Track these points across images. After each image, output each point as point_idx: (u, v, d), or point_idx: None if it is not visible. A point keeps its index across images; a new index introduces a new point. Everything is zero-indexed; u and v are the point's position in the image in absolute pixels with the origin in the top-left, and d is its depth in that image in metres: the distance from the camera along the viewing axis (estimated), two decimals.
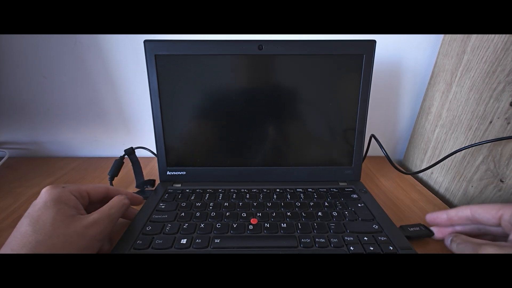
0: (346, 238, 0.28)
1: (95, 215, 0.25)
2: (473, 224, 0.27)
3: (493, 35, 0.33)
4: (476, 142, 0.35)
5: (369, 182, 0.44)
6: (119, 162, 0.39)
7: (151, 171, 0.47)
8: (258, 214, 0.32)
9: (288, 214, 0.32)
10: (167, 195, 0.36)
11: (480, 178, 0.36)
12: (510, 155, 0.32)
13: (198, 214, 0.32)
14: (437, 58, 0.44)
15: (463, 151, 0.38)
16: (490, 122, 0.34)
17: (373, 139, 0.43)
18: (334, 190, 0.37)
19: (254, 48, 0.34)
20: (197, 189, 0.37)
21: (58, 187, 0.25)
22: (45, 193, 0.24)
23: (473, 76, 0.36)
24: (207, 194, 0.36)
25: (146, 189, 0.39)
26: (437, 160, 0.38)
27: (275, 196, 0.36)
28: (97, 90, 0.50)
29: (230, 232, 0.29)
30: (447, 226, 0.29)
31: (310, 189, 0.37)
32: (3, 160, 0.48)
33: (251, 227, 0.30)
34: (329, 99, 0.37)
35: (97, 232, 0.24)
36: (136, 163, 0.40)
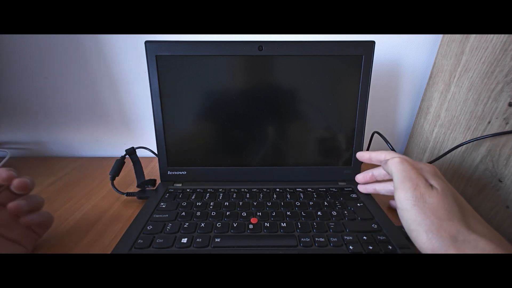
0: (345, 237, 0.28)
1: None
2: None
3: (491, 36, 0.33)
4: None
5: None
6: (120, 162, 0.39)
7: (152, 171, 0.48)
8: (258, 213, 0.32)
9: (288, 213, 0.32)
10: (167, 194, 0.36)
11: (478, 178, 0.36)
12: (509, 155, 0.32)
13: (198, 213, 0.32)
14: (436, 58, 0.45)
15: (462, 151, 0.38)
16: (489, 122, 0.34)
17: (376, 135, 0.43)
18: (334, 189, 0.38)
19: (254, 49, 0.34)
20: (198, 188, 0.37)
21: None
22: None
23: (471, 77, 0.37)
24: (208, 194, 0.36)
25: (147, 188, 0.39)
26: (435, 158, 0.39)
27: (275, 196, 0.36)
28: (98, 90, 0.50)
29: (230, 231, 0.29)
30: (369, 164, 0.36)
31: (310, 189, 0.37)
32: (4, 160, 0.48)
33: (251, 226, 0.30)
34: (328, 99, 0.37)
35: None
36: (137, 163, 0.40)
